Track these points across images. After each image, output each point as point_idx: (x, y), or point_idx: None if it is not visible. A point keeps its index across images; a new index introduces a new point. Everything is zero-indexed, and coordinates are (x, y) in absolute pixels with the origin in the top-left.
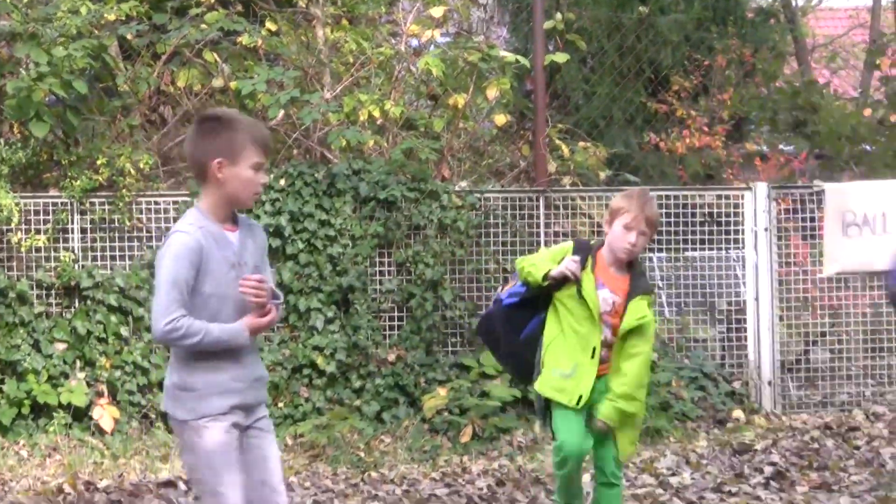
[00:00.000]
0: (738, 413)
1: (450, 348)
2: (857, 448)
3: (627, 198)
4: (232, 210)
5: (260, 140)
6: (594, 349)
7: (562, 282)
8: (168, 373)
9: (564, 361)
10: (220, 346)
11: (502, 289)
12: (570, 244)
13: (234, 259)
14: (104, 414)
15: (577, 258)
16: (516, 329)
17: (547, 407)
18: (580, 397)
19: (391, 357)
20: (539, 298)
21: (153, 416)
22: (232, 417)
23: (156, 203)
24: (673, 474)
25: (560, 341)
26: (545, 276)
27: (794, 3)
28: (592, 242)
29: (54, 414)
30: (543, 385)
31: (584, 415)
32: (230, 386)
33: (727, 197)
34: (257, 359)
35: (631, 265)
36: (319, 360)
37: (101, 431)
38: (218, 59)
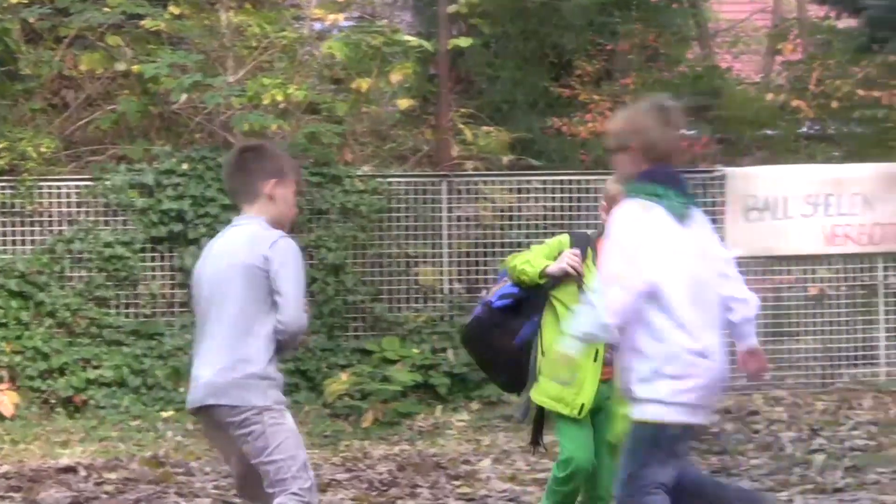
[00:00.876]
0: None
1: (351, 333)
2: (757, 432)
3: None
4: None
5: (298, 167)
6: (597, 351)
7: (560, 279)
8: (230, 364)
9: (563, 368)
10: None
11: (489, 292)
12: (565, 237)
13: None
14: (4, 399)
15: (577, 251)
16: (510, 334)
17: (539, 418)
18: (582, 406)
19: None
20: (531, 300)
21: (53, 401)
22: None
23: (58, 187)
24: None
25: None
26: (542, 274)
27: None
28: (590, 233)
29: None
30: (540, 394)
31: (589, 422)
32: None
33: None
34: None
35: None
36: None
37: (2, 416)
38: (121, 42)
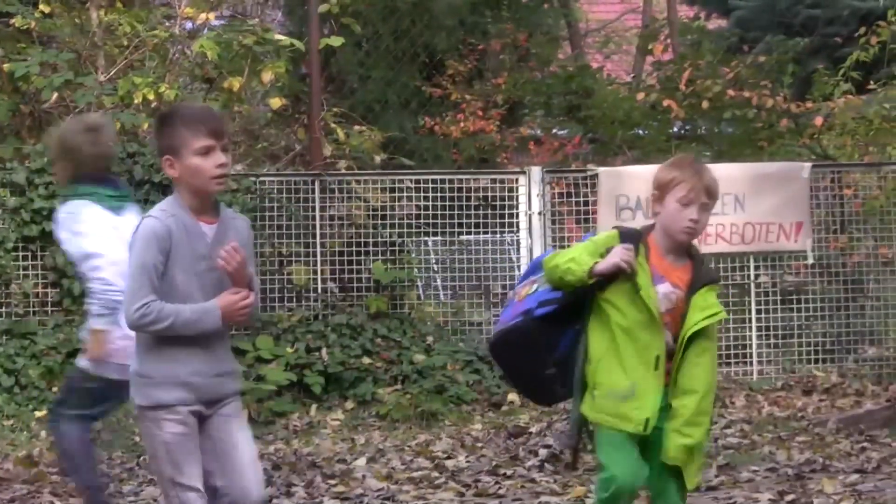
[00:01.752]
0: (512, 396)
1: None
2: None
3: (678, 167)
4: (205, 201)
5: (196, 124)
6: (657, 358)
7: (609, 279)
8: (133, 360)
9: (621, 380)
10: (193, 328)
11: (516, 295)
12: (614, 233)
13: (204, 251)
14: None
15: (629, 246)
16: (550, 346)
17: (581, 430)
18: (647, 421)
19: None
20: (574, 305)
21: None
22: (190, 409)
23: None
24: (448, 457)
25: (612, 355)
26: (591, 273)
27: None
28: (640, 228)
29: None
30: (596, 411)
31: (637, 439)
32: (187, 380)
33: (502, 181)
34: (227, 352)
35: (690, 251)
36: None
37: None
38: None
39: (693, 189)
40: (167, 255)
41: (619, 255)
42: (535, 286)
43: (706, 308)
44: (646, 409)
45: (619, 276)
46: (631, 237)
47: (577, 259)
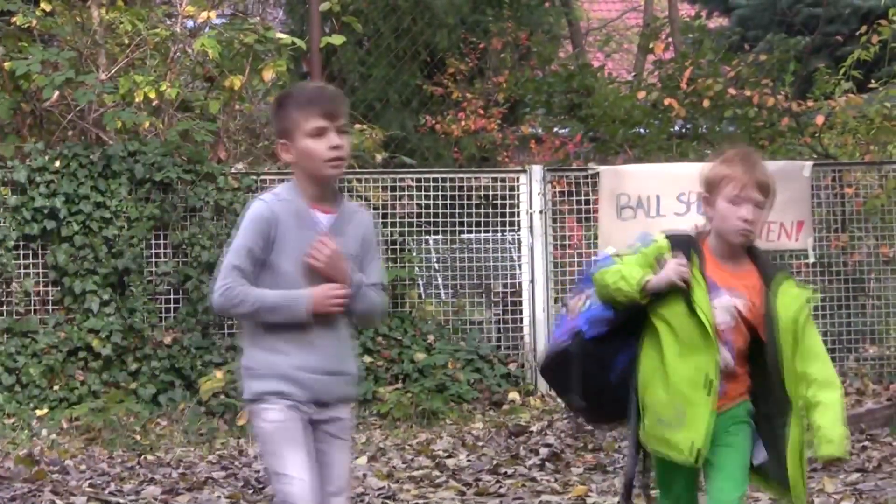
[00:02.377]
0: (513, 395)
1: (226, 331)
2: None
3: (726, 162)
4: (323, 189)
5: (308, 105)
6: (710, 381)
7: (663, 293)
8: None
9: (668, 404)
10: (280, 315)
11: (568, 309)
12: (663, 240)
13: (315, 240)
14: None
15: (684, 260)
16: (605, 368)
17: (642, 454)
18: (696, 451)
19: (167, 339)
20: (628, 322)
21: None
22: (293, 401)
23: None
24: (449, 456)
25: (660, 377)
26: (642, 289)
27: None
28: (692, 232)
29: None
30: (647, 437)
31: (693, 469)
32: (290, 374)
33: (503, 179)
34: (341, 350)
35: (750, 251)
36: (95, 343)
37: None
38: None
39: (743, 186)
40: (270, 241)
41: (674, 270)
42: (587, 301)
43: (793, 300)
44: (695, 437)
45: (672, 290)
46: (683, 245)
47: (627, 276)
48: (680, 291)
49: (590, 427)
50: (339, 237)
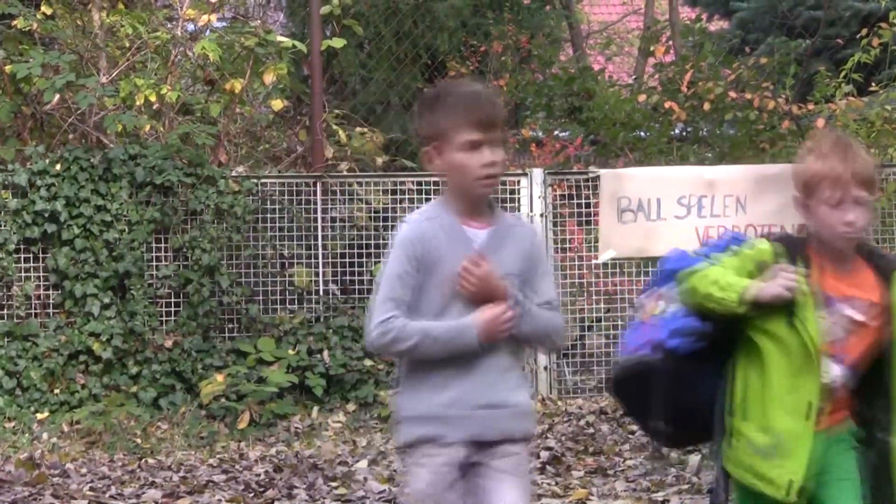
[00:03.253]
0: None
1: (227, 334)
2: (633, 433)
3: (819, 158)
4: (476, 202)
5: (462, 112)
6: (812, 407)
7: (763, 306)
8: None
9: (763, 431)
10: (444, 349)
11: (642, 312)
12: (765, 244)
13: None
14: None
15: (793, 271)
16: (690, 385)
17: (727, 481)
18: (791, 484)
19: (168, 343)
20: (719, 334)
21: None
22: (448, 452)
23: None
24: None
25: (757, 399)
26: (744, 301)
27: None
28: (795, 235)
29: None
30: (734, 464)
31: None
32: (441, 413)
33: (503, 182)
34: (504, 380)
35: (859, 249)
36: (96, 346)
37: None
38: None
39: (840, 184)
40: (420, 264)
41: (783, 281)
42: (662, 304)
43: None
44: (791, 469)
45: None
46: (788, 250)
47: (723, 283)
48: (784, 305)
49: (667, 449)
50: (496, 254)
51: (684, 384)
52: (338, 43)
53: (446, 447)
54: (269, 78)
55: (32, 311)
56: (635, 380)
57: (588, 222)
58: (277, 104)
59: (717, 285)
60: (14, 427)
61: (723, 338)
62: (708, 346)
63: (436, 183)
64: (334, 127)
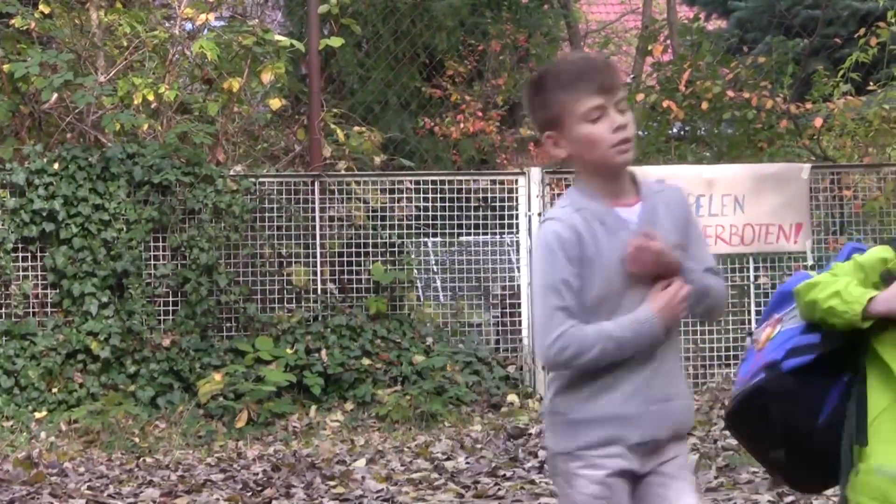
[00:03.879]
0: (512, 397)
1: (225, 333)
2: None
3: None
4: (617, 179)
5: (576, 82)
6: None
7: (888, 318)
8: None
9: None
10: (629, 349)
11: (755, 341)
12: (887, 250)
13: None
14: None
15: None
16: (811, 409)
17: None
18: None
19: (166, 342)
20: (838, 351)
21: None
22: (616, 462)
23: None
24: (448, 458)
25: (890, 419)
26: (869, 315)
27: None
28: None
29: None
30: (856, 492)
31: None
32: (619, 412)
33: (501, 182)
34: (672, 369)
35: None
36: (94, 346)
37: None
38: None
39: None
40: (580, 263)
41: None
42: (778, 327)
43: None
44: None
45: None
46: None
47: (844, 293)
48: None
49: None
50: (652, 227)
51: (803, 407)
52: (336, 42)
53: (621, 450)
54: (267, 77)
55: (30, 309)
56: (751, 410)
57: None
58: (275, 103)
59: (840, 298)
60: (12, 426)
61: (847, 355)
62: (830, 365)
63: (433, 182)
64: (332, 126)
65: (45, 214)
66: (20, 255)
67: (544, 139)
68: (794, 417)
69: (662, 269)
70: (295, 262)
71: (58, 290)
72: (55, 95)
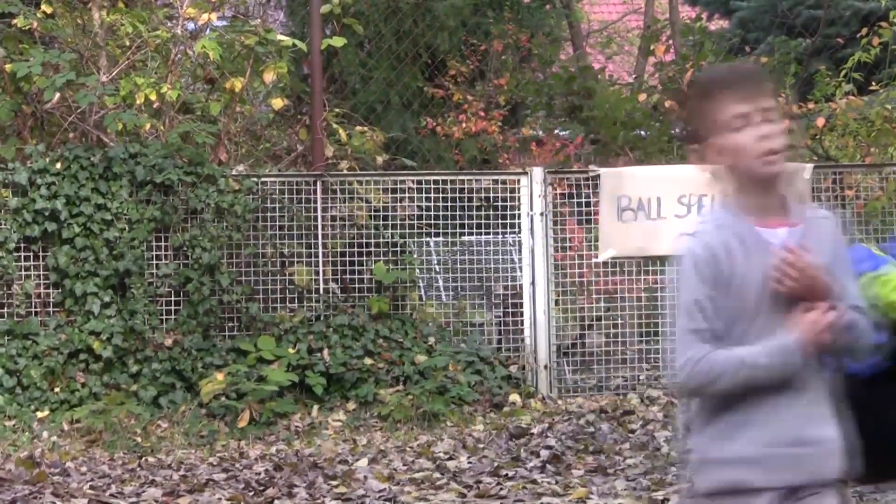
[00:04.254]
0: (514, 397)
1: (227, 333)
2: (633, 432)
3: None
4: (767, 195)
5: (720, 89)
6: None
7: None
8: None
9: None
10: (765, 378)
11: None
12: None
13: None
14: None
15: None
16: (877, 413)
17: None
18: None
19: (168, 342)
20: None
21: None
22: (757, 490)
23: None
24: (450, 458)
25: None
26: None
27: None
28: None
29: None
30: None
31: None
32: (755, 454)
33: (503, 181)
34: (814, 406)
35: None
36: (96, 345)
37: None
38: None
39: None
40: (715, 285)
41: None
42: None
43: None
44: None
45: None
46: None
47: None
48: None
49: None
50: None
51: (870, 411)
52: (338, 42)
53: (755, 497)
54: (269, 77)
55: (33, 309)
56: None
57: (588, 221)
58: (278, 103)
59: None
60: (14, 425)
61: None
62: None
63: (435, 182)
64: (334, 126)
65: (47, 214)
66: (22, 254)
67: (696, 148)
68: (865, 420)
69: (808, 290)
70: (297, 262)
71: (60, 290)
72: (57, 95)
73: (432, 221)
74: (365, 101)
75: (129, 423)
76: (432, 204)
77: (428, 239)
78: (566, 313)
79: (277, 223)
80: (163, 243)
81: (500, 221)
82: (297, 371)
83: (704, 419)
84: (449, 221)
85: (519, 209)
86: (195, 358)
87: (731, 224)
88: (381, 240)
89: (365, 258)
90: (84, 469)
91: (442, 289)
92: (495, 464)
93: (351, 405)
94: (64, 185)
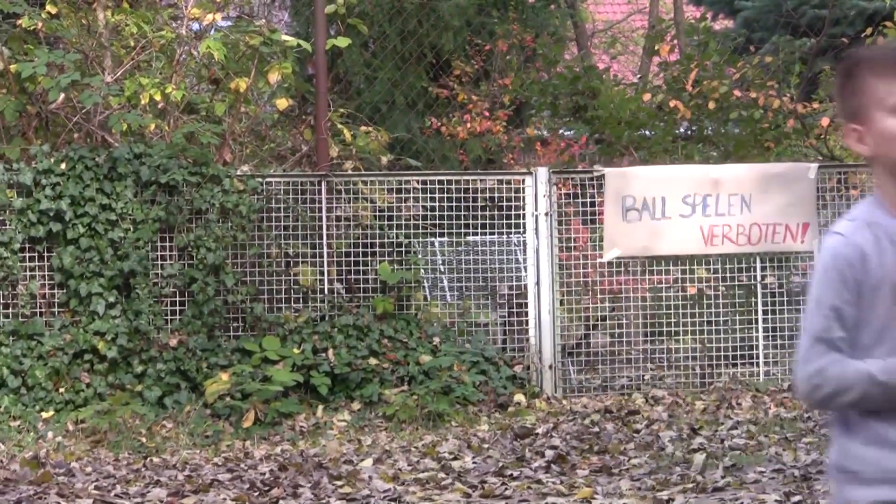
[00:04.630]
0: (519, 397)
1: (232, 333)
2: (637, 431)
3: None
4: None
5: (890, 69)
6: None
7: None
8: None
9: None
10: (887, 397)
11: None
12: None
13: None
14: None
15: None
16: None
17: None
18: None
19: (173, 342)
20: None
21: None
22: None
23: None
24: (455, 458)
25: None
26: None
27: None
28: None
29: None
30: None
31: None
32: (889, 467)
33: (508, 181)
34: None
35: None
36: (101, 345)
37: None
38: None
39: None
40: (860, 291)
41: None
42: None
43: None
44: None
45: None
46: None
47: None
48: None
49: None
50: None
51: None
52: (342, 42)
53: None
54: (273, 77)
55: (37, 309)
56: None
57: (593, 221)
58: (282, 103)
59: None
60: (19, 426)
61: None
62: None
63: (439, 182)
64: (339, 126)
65: (52, 214)
66: (27, 255)
67: (846, 131)
68: None
69: None
70: (302, 262)
71: (65, 290)
72: (62, 95)
73: (437, 221)
74: (369, 101)
75: (133, 424)
76: (437, 204)
77: (433, 239)
78: (571, 313)
79: (282, 223)
80: (167, 243)
81: (504, 221)
82: (301, 371)
83: (853, 423)
84: (454, 221)
85: (523, 209)
86: (200, 358)
87: (883, 221)
88: (386, 240)
89: (370, 258)
90: (89, 469)
91: (447, 289)
92: (500, 464)
93: (356, 405)
94: (69, 185)
